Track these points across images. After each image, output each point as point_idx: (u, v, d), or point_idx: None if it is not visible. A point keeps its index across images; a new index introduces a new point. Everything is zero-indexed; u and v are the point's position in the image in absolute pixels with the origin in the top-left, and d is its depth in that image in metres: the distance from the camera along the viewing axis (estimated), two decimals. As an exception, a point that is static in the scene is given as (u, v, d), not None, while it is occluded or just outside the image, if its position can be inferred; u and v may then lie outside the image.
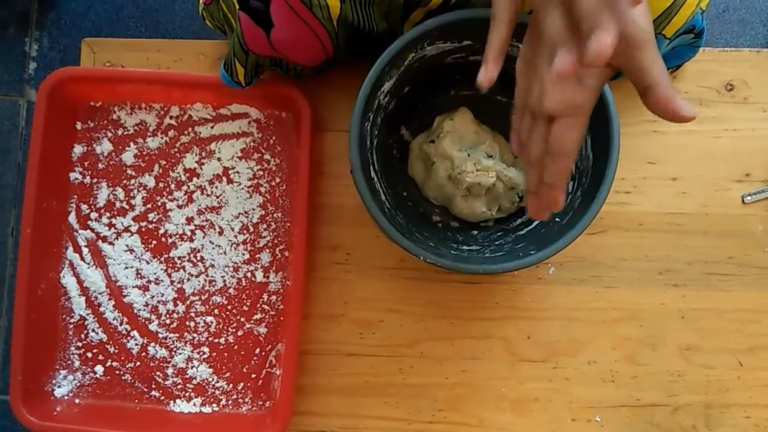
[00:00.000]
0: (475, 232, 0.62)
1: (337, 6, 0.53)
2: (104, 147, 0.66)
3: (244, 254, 0.64)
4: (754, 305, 0.63)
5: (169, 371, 0.63)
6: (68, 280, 0.64)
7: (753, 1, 0.84)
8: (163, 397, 0.63)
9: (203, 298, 0.64)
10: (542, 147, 0.42)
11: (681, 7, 0.52)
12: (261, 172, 0.65)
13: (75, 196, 0.65)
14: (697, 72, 0.65)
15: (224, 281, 0.64)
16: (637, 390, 0.63)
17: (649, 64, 0.37)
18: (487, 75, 0.42)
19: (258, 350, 0.63)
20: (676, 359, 0.63)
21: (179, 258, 0.64)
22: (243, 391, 0.63)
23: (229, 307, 0.64)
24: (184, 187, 0.65)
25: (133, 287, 0.64)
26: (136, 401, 0.63)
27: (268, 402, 0.62)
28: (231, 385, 0.63)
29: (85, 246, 0.65)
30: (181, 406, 0.63)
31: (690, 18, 0.54)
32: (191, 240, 0.64)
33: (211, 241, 0.64)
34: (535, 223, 0.59)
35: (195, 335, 0.64)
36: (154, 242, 0.64)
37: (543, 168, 0.42)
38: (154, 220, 0.65)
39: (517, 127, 0.44)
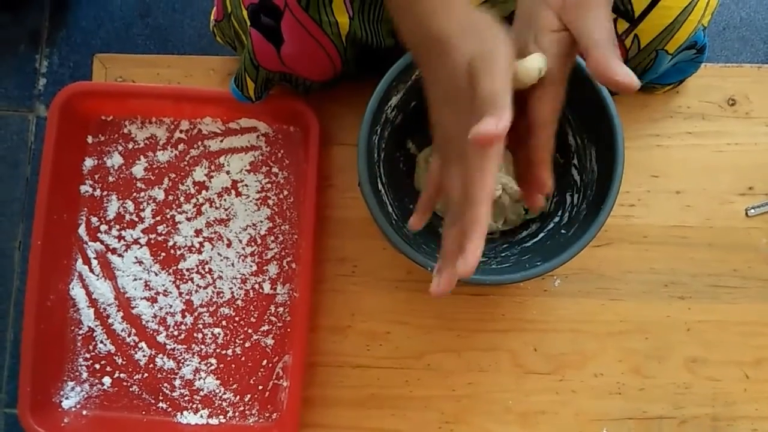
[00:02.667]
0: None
1: (347, 23, 0.54)
2: (115, 160, 0.66)
3: (251, 266, 0.65)
4: (760, 318, 0.63)
5: (177, 383, 0.63)
6: (77, 291, 0.65)
7: (753, 19, 0.85)
8: (170, 409, 0.63)
9: (211, 309, 0.64)
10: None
11: (683, 23, 0.53)
12: (269, 185, 0.66)
13: (85, 209, 0.66)
14: (699, 87, 0.66)
15: (232, 293, 0.64)
16: (644, 402, 0.63)
17: (593, 24, 0.37)
18: (416, 222, 0.47)
19: (265, 362, 0.63)
20: (682, 372, 0.63)
21: (187, 270, 0.65)
22: (250, 402, 0.63)
23: (237, 319, 0.64)
24: (193, 200, 0.66)
25: (142, 299, 0.65)
26: (144, 413, 0.63)
27: (275, 414, 0.62)
28: (238, 397, 0.63)
29: (95, 258, 0.65)
30: (189, 418, 0.63)
31: (692, 34, 0.55)
32: (200, 252, 0.65)
33: (219, 253, 0.65)
34: (540, 235, 0.59)
35: (202, 347, 0.64)
36: (163, 254, 0.65)
37: (527, 148, 0.43)
38: (163, 232, 0.65)
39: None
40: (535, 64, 0.40)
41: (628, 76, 0.36)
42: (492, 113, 0.33)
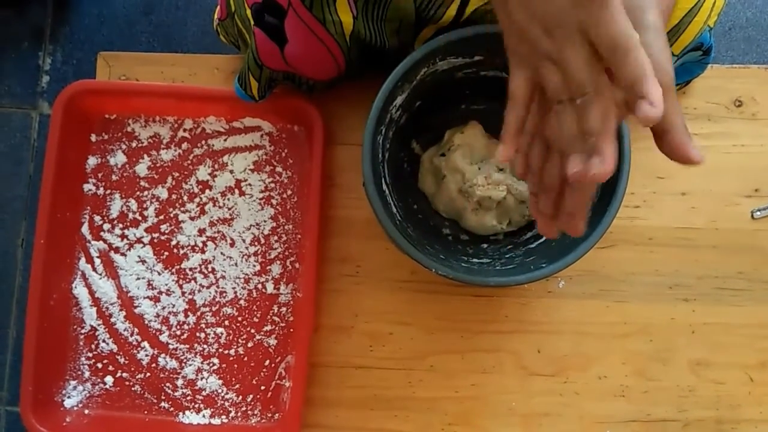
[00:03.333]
0: (485, 245, 0.62)
1: (350, 22, 0.53)
2: (118, 159, 0.66)
3: (255, 266, 0.64)
4: (765, 320, 0.63)
5: (179, 382, 0.63)
6: (80, 290, 0.65)
7: (759, 19, 0.85)
8: (172, 409, 0.63)
9: (214, 309, 0.64)
10: (558, 178, 0.41)
11: (689, 24, 0.53)
12: (273, 185, 0.66)
13: (88, 207, 0.66)
14: (705, 88, 0.66)
15: (235, 293, 0.64)
16: (648, 405, 0.62)
17: (670, 109, 0.38)
18: (505, 153, 0.42)
19: (268, 362, 0.63)
20: (686, 374, 0.62)
21: (191, 269, 0.65)
22: (252, 402, 0.63)
23: (240, 319, 0.64)
24: (197, 199, 0.65)
25: (145, 298, 0.64)
26: (146, 412, 0.63)
27: (277, 414, 0.62)
28: (240, 397, 0.63)
29: (98, 257, 0.65)
30: (191, 418, 0.62)
31: (697, 35, 0.55)
32: (203, 251, 0.65)
33: (222, 253, 0.65)
34: (545, 237, 0.59)
35: (205, 346, 0.64)
36: (166, 253, 0.65)
37: (562, 198, 0.42)
38: (167, 231, 0.65)
39: (525, 151, 0.43)
40: None
41: (700, 157, 0.39)
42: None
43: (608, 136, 0.37)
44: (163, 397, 0.63)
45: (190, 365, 0.63)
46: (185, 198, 0.66)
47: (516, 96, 0.41)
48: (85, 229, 0.66)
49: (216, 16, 0.62)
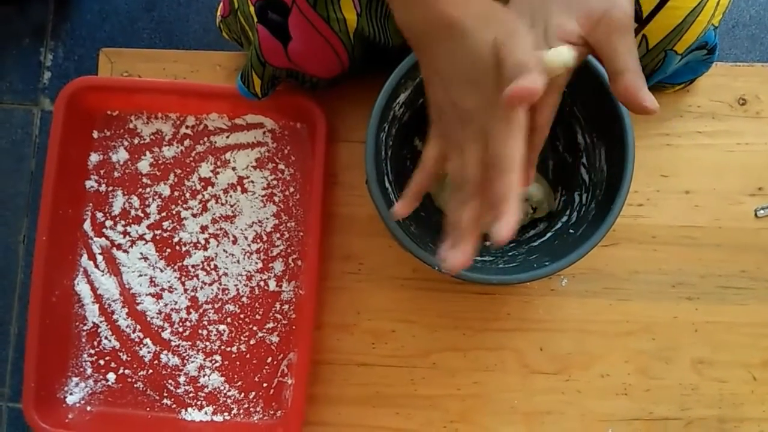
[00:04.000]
0: (488, 243, 0.62)
1: (354, 20, 0.53)
2: (120, 155, 0.66)
3: (257, 263, 0.64)
4: (768, 319, 0.63)
5: (181, 379, 0.63)
6: (82, 287, 0.65)
7: (763, 17, 0.85)
8: (174, 406, 0.63)
9: (216, 306, 0.64)
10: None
11: (692, 24, 0.53)
12: (275, 182, 0.65)
13: (90, 204, 0.66)
14: (709, 86, 0.65)
15: (237, 290, 0.64)
16: (650, 403, 0.62)
17: (625, 49, 0.39)
18: (400, 212, 0.46)
19: (270, 359, 0.63)
20: (689, 373, 0.62)
21: (193, 266, 0.65)
22: (255, 400, 0.63)
23: (242, 316, 0.64)
24: (199, 196, 0.65)
25: (147, 295, 0.64)
26: (148, 409, 0.63)
27: (279, 411, 0.62)
28: (243, 394, 0.63)
29: (100, 253, 0.65)
30: (193, 415, 0.63)
31: (701, 34, 0.54)
32: (205, 248, 0.65)
33: (224, 250, 0.65)
34: (548, 235, 0.59)
35: (207, 343, 0.64)
36: (168, 250, 0.65)
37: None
38: (169, 228, 0.65)
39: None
40: (562, 56, 0.39)
41: (653, 103, 0.39)
42: (527, 75, 0.34)
43: (468, 236, 0.39)
44: (165, 394, 0.63)
45: (193, 362, 0.63)
46: (187, 195, 0.65)
47: (425, 165, 0.44)
48: (87, 225, 0.66)
49: (219, 13, 0.62)
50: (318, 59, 0.56)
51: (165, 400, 0.63)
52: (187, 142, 0.66)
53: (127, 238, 0.65)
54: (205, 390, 0.63)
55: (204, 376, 0.63)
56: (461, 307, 0.64)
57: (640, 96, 0.38)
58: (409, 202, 0.46)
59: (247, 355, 0.63)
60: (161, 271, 0.65)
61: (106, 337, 0.64)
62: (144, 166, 0.66)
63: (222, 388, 0.63)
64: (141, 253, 0.65)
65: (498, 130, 0.37)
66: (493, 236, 0.35)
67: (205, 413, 0.63)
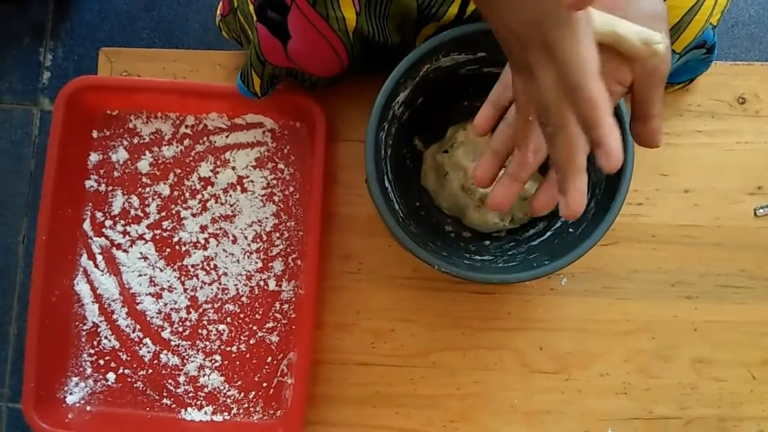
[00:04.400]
0: (488, 243, 0.62)
1: (353, 18, 0.53)
2: (120, 155, 0.66)
3: (257, 263, 0.64)
4: (767, 318, 0.63)
5: (181, 379, 0.63)
6: (82, 287, 0.65)
7: (762, 16, 0.85)
8: (174, 405, 0.63)
9: (216, 306, 0.64)
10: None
11: (690, 23, 0.53)
12: (275, 181, 0.65)
13: (90, 204, 0.66)
14: (709, 85, 0.65)
15: (237, 289, 0.64)
16: (650, 402, 0.62)
17: (659, 98, 0.41)
18: (485, 123, 0.46)
19: (270, 359, 0.63)
20: (688, 372, 0.62)
21: (192, 266, 0.65)
22: (254, 399, 0.63)
23: (242, 316, 0.64)
24: (199, 196, 0.65)
25: (146, 295, 0.64)
26: (148, 409, 0.63)
27: (279, 411, 0.62)
28: (242, 394, 0.63)
29: (99, 253, 0.65)
30: (193, 415, 0.63)
31: (699, 33, 0.54)
32: (205, 248, 0.65)
33: (224, 250, 0.65)
34: (548, 234, 0.59)
35: (207, 343, 0.64)
36: (168, 250, 0.65)
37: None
38: (168, 228, 0.65)
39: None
40: (656, 38, 0.38)
41: (660, 142, 0.42)
42: None
43: (572, 175, 0.35)
44: (165, 394, 0.63)
45: (192, 362, 0.63)
46: (187, 195, 0.65)
47: (503, 83, 0.45)
48: (86, 225, 0.66)
49: (218, 12, 0.62)
50: (317, 58, 0.56)
51: (165, 400, 0.63)
52: (186, 142, 0.66)
53: (127, 237, 0.65)
54: (205, 390, 0.63)
55: (204, 375, 0.63)
56: (461, 306, 0.64)
57: (658, 138, 0.42)
58: (496, 112, 0.45)
59: (247, 355, 0.63)
60: (161, 270, 0.65)
61: (105, 337, 0.64)
62: (143, 165, 0.66)
63: (222, 387, 0.63)
64: (141, 253, 0.65)
65: (563, 38, 0.32)
66: (603, 169, 0.33)
67: (205, 413, 0.63)
